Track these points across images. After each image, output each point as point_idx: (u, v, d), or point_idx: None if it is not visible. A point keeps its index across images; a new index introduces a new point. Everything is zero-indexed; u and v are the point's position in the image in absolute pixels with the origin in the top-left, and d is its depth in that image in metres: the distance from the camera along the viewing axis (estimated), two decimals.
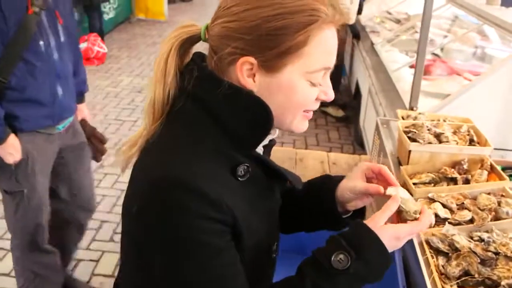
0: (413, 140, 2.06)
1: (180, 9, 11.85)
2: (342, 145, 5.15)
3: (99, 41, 7.41)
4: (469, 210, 1.71)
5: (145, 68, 7.26)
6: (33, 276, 2.46)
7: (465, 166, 1.97)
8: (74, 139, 2.46)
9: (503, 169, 2.08)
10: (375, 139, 2.71)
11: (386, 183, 1.10)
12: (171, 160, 0.93)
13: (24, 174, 2.21)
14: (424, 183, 1.93)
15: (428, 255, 1.51)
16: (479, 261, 1.46)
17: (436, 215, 1.70)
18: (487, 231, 1.59)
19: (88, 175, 2.66)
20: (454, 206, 1.74)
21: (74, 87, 2.39)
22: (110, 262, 3.18)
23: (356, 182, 1.14)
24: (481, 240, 1.55)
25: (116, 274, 1.23)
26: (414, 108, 2.78)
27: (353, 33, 5.35)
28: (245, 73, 0.95)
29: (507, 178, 1.89)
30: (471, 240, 1.56)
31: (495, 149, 2.13)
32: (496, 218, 1.67)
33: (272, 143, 1.10)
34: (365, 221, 0.99)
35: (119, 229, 1.27)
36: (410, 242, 1.65)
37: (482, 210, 1.70)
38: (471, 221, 1.67)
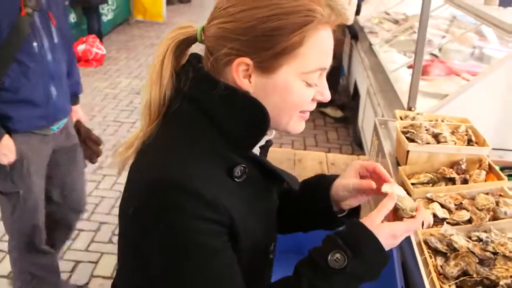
0: (411, 140, 2.06)
1: (178, 10, 11.85)
2: (340, 145, 5.15)
3: (97, 42, 7.41)
4: (468, 210, 1.71)
5: (143, 70, 7.26)
6: (30, 277, 2.45)
7: (463, 166, 1.97)
8: (67, 140, 2.46)
9: (502, 169, 2.08)
10: (373, 139, 2.71)
11: (381, 181, 1.10)
12: (167, 162, 0.93)
13: (20, 175, 2.21)
14: (423, 183, 1.93)
15: (427, 255, 1.51)
16: (477, 261, 1.46)
17: (435, 215, 1.70)
18: (485, 231, 1.60)
19: (81, 177, 2.66)
20: (452, 206, 1.74)
21: (68, 88, 2.39)
22: (109, 264, 3.17)
23: (350, 179, 1.14)
24: (480, 240, 1.55)
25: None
26: (412, 109, 2.78)
27: (351, 34, 5.36)
28: (241, 74, 0.95)
29: (505, 178, 1.89)
30: (470, 240, 1.56)
31: (493, 149, 2.13)
32: (494, 218, 1.67)
33: (268, 143, 1.09)
34: (361, 220, 0.99)
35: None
36: (409, 242, 1.65)
37: (480, 210, 1.70)
38: (470, 221, 1.67)
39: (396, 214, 1.07)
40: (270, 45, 0.93)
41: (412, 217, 1.05)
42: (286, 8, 0.92)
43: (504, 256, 1.48)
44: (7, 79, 2.07)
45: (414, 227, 1.04)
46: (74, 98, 2.54)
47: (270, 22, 0.92)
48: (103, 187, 4.08)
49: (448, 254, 1.51)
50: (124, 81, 6.77)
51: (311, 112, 1.05)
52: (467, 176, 1.93)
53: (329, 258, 0.93)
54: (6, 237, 2.54)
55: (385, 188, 1.08)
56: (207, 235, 0.90)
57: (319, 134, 5.36)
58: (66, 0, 2.25)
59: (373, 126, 2.77)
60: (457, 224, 1.66)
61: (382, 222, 0.99)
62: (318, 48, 0.96)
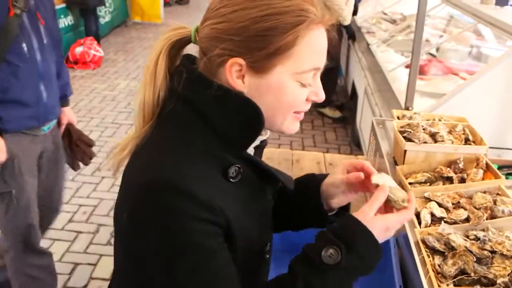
0: (408, 140, 2.06)
1: (176, 11, 11.86)
2: (339, 146, 5.15)
3: (95, 44, 7.41)
4: (465, 209, 1.71)
5: (141, 72, 7.23)
6: (27, 279, 2.44)
7: (460, 165, 1.97)
8: (54, 142, 2.45)
9: (500, 167, 2.09)
10: (371, 139, 2.71)
11: (369, 179, 1.11)
12: (162, 162, 0.93)
13: (11, 175, 2.20)
14: (420, 183, 1.93)
15: (424, 254, 1.51)
16: (475, 259, 1.46)
17: (432, 214, 1.70)
18: (483, 230, 1.59)
19: (61, 178, 2.63)
20: (450, 205, 1.74)
21: (57, 89, 2.38)
22: (108, 266, 3.17)
23: (337, 175, 1.16)
24: (477, 238, 1.55)
25: None
26: (410, 108, 2.78)
27: (348, 34, 5.36)
28: (234, 75, 0.95)
29: (503, 176, 1.89)
30: (467, 239, 1.55)
31: (491, 148, 2.13)
32: (492, 216, 1.67)
33: (263, 144, 1.09)
34: (354, 214, 0.99)
35: None
36: (407, 242, 1.65)
37: (478, 209, 1.70)
38: (467, 220, 1.67)
39: (387, 205, 1.06)
40: (263, 45, 0.92)
41: (404, 208, 1.05)
42: (278, 8, 0.92)
43: (502, 254, 1.48)
44: None
45: (407, 218, 1.05)
46: (64, 100, 2.53)
47: (262, 22, 0.92)
48: (101, 189, 4.08)
49: (446, 253, 1.51)
50: (122, 83, 6.77)
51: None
52: (465, 175, 1.92)
53: (322, 254, 0.93)
54: None
55: (375, 179, 1.08)
56: (203, 235, 0.90)
57: (317, 134, 5.36)
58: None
59: (370, 126, 2.77)
60: (454, 223, 1.66)
61: (375, 214, 0.99)
62: (311, 48, 0.96)
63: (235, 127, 0.96)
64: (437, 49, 4.19)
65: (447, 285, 1.42)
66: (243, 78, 0.96)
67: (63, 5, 7.36)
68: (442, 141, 2.06)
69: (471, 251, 1.48)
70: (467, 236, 1.58)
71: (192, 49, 1.06)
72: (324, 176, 1.19)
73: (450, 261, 1.47)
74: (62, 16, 7.32)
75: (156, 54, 1.00)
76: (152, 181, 0.91)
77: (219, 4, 0.96)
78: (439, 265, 1.47)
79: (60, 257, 3.25)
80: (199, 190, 0.90)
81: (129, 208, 0.94)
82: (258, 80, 0.95)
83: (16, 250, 2.38)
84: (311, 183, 1.19)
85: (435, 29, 4.71)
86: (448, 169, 1.96)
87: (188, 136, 0.96)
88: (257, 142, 1.05)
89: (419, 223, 1.69)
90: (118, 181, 1.02)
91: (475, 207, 1.71)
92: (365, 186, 1.14)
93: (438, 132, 2.09)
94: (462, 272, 1.45)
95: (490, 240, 1.52)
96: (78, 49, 7.20)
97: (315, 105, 5.82)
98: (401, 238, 1.74)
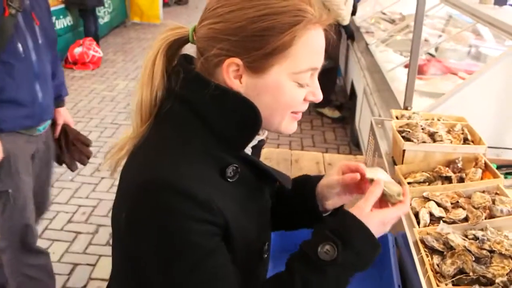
0: (407, 139, 2.06)
1: (175, 12, 11.86)
2: (338, 146, 5.15)
3: (94, 45, 7.41)
4: (464, 209, 1.71)
5: (140, 72, 7.26)
6: (25, 279, 2.43)
7: (459, 165, 1.97)
8: (45, 143, 2.45)
9: (498, 167, 2.09)
10: (370, 139, 2.71)
11: (364, 181, 1.11)
12: (159, 162, 0.93)
13: (8, 174, 2.20)
14: (419, 182, 1.93)
15: (423, 254, 1.51)
16: (473, 259, 1.46)
17: (431, 214, 1.70)
18: (481, 229, 1.59)
19: (50, 179, 2.63)
20: (448, 204, 1.74)
21: (52, 89, 2.38)
22: (107, 266, 3.15)
23: (333, 177, 1.16)
24: (476, 238, 1.55)
25: None
26: (409, 108, 2.78)
27: (347, 34, 5.36)
28: (232, 75, 0.95)
29: (501, 176, 1.89)
30: (466, 239, 1.55)
31: (490, 147, 2.13)
32: (491, 216, 1.67)
33: (261, 143, 1.09)
34: (350, 210, 0.99)
35: None
36: (405, 241, 1.65)
37: (477, 208, 1.70)
38: (466, 219, 1.67)
39: (382, 200, 1.06)
40: (260, 45, 0.92)
41: (399, 201, 1.05)
42: (275, 8, 0.92)
43: (500, 254, 1.48)
44: None
45: (403, 212, 1.05)
46: (60, 100, 2.52)
47: (259, 22, 0.92)
48: (101, 189, 4.09)
49: (445, 253, 1.51)
50: (121, 83, 6.77)
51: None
52: (463, 175, 1.92)
53: (319, 250, 0.93)
54: None
55: (369, 174, 1.08)
56: (201, 235, 0.90)
57: (316, 134, 5.36)
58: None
59: (369, 126, 2.77)
60: (453, 222, 1.66)
61: (371, 209, 1.00)
62: (309, 48, 0.96)
63: (233, 126, 0.96)
64: (436, 49, 4.20)
65: (446, 284, 1.42)
66: (240, 78, 0.96)
67: (62, 5, 7.37)
68: (441, 140, 2.06)
69: (469, 251, 1.48)
70: (466, 236, 1.58)
71: (189, 49, 1.06)
72: (319, 178, 1.20)
73: (448, 261, 1.47)
74: (61, 17, 7.32)
75: (154, 54, 1.00)
76: (150, 181, 0.91)
77: (216, 4, 0.96)
78: (437, 265, 1.47)
79: (59, 257, 3.25)
80: (197, 190, 0.90)
81: (127, 208, 0.93)
82: (255, 80, 0.95)
83: (13, 250, 2.38)
84: (307, 184, 1.19)
85: (434, 29, 4.71)
86: (447, 168, 1.96)
87: (186, 136, 0.96)
88: (254, 142, 1.05)
89: (418, 222, 1.69)
90: (117, 182, 1.02)
91: (474, 207, 1.71)
92: (360, 188, 1.14)
93: (437, 132, 2.09)
94: (461, 271, 1.45)
95: (488, 240, 1.52)
96: (77, 50, 7.20)
97: (314, 105, 5.86)
98: (399, 237, 1.74)
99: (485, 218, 1.64)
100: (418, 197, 1.80)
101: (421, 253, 1.52)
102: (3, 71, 2.09)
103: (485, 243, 1.51)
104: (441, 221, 1.65)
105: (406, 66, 3.77)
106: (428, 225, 1.67)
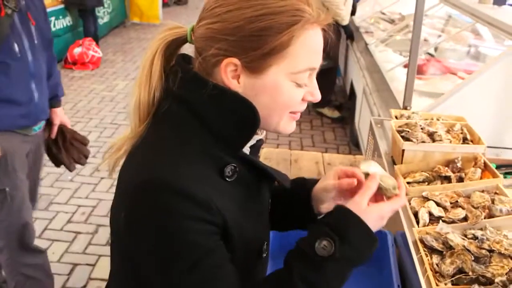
0: (406, 139, 2.06)
1: (174, 12, 11.86)
2: (338, 146, 5.15)
3: (94, 45, 7.41)
4: (463, 208, 1.71)
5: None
6: (23, 278, 2.43)
7: (458, 165, 1.97)
8: (37, 143, 2.45)
9: (498, 167, 2.09)
10: (370, 139, 2.71)
11: (360, 186, 1.10)
12: (158, 162, 0.93)
13: (5, 172, 2.20)
14: (418, 182, 1.93)
15: (422, 253, 1.51)
16: (473, 258, 1.46)
17: (430, 214, 1.70)
18: (481, 229, 1.60)
19: (38, 179, 2.62)
20: (448, 204, 1.74)
21: (48, 89, 2.38)
22: (107, 266, 3.12)
23: (329, 181, 1.16)
24: (475, 238, 1.55)
25: None
26: (408, 108, 2.78)
27: (347, 34, 5.36)
28: (230, 75, 0.95)
29: (501, 175, 1.89)
30: (465, 238, 1.56)
31: (489, 147, 2.13)
32: (490, 215, 1.67)
33: (259, 143, 1.09)
34: (347, 204, 0.99)
35: None
36: (405, 241, 1.65)
37: (476, 208, 1.70)
38: (465, 219, 1.67)
39: (377, 193, 1.05)
40: (258, 45, 0.92)
41: (395, 195, 1.05)
42: (273, 8, 0.92)
43: (500, 253, 1.48)
44: None
45: (399, 206, 1.04)
46: (56, 100, 2.52)
47: (257, 22, 0.92)
48: (100, 189, 4.08)
49: (444, 252, 1.51)
50: (121, 83, 6.77)
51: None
52: (463, 174, 1.93)
53: (316, 245, 0.93)
54: None
55: (363, 167, 1.08)
56: (200, 235, 0.90)
57: (316, 134, 5.36)
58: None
59: (369, 126, 2.77)
60: (452, 222, 1.66)
61: (368, 204, 1.00)
62: (307, 48, 0.95)
63: (231, 126, 0.96)
64: (435, 49, 4.20)
65: (445, 284, 1.42)
66: (238, 78, 0.96)
67: (62, 5, 7.37)
68: (440, 140, 2.06)
69: (469, 250, 1.48)
70: (465, 235, 1.58)
71: (188, 49, 1.06)
72: (315, 181, 1.20)
73: (448, 260, 1.47)
74: (60, 17, 7.32)
75: (152, 53, 1.00)
76: (148, 181, 0.91)
77: (214, 4, 0.96)
78: (437, 264, 1.48)
79: (59, 257, 3.25)
80: (196, 190, 0.90)
81: (125, 208, 0.93)
82: (253, 80, 0.95)
83: (10, 250, 2.37)
84: (303, 187, 1.20)
85: (433, 29, 4.71)
86: (446, 168, 1.96)
87: (184, 136, 0.96)
88: (253, 142, 1.05)
89: (417, 222, 1.69)
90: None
91: (473, 206, 1.71)
92: (356, 193, 1.13)
93: (436, 132, 2.09)
94: (460, 271, 1.45)
95: (488, 239, 1.53)
96: (77, 50, 7.20)
97: (314, 105, 5.86)
98: (399, 237, 1.74)
99: (485, 218, 1.64)
100: (418, 196, 1.80)
101: (420, 253, 1.52)
102: None
103: (485, 243, 1.52)
104: (441, 221, 1.65)
105: (405, 66, 3.77)
106: (428, 225, 1.67)
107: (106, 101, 6.11)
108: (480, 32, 4.15)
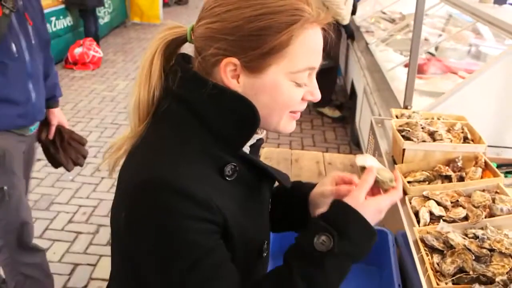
0: (407, 138, 2.06)
1: (175, 12, 11.86)
2: (338, 145, 5.15)
3: (94, 45, 7.41)
4: (464, 208, 1.71)
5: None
6: (23, 278, 2.43)
7: (459, 164, 1.97)
8: (31, 143, 2.45)
9: (498, 166, 2.09)
10: (370, 138, 2.71)
11: None
12: (157, 162, 0.93)
13: (3, 171, 2.20)
14: (419, 181, 1.93)
15: (423, 252, 1.51)
16: (473, 258, 1.46)
17: (431, 213, 1.70)
18: (481, 228, 1.59)
19: (29, 178, 2.62)
20: (448, 203, 1.74)
21: (46, 90, 2.38)
22: (108, 266, 3.12)
23: (327, 186, 1.16)
24: (476, 237, 1.55)
25: None
26: (409, 107, 2.78)
27: (347, 34, 5.36)
28: (229, 74, 0.95)
29: (502, 175, 1.89)
30: (466, 237, 1.56)
31: (490, 146, 2.13)
32: (491, 215, 1.67)
33: (259, 142, 1.09)
34: (344, 199, 0.99)
35: None
36: (406, 240, 1.65)
37: (477, 207, 1.70)
38: (466, 218, 1.67)
39: (374, 186, 1.05)
40: (257, 44, 0.92)
41: (392, 187, 1.05)
42: (272, 8, 0.92)
43: (500, 252, 1.48)
44: None
45: (397, 198, 1.04)
46: (54, 101, 2.52)
47: (256, 21, 0.92)
48: (101, 189, 4.09)
49: (445, 252, 1.51)
50: (121, 83, 6.77)
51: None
52: (463, 174, 1.93)
53: (315, 241, 0.92)
54: None
55: (359, 161, 1.07)
56: (200, 234, 0.90)
57: (317, 134, 5.36)
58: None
59: (369, 125, 2.77)
60: (453, 221, 1.66)
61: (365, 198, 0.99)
62: (306, 47, 0.95)
63: (231, 125, 0.96)
64: (436, 48, 4.20)
65: (446, 283, 1.42)
66: (238, 77, 0.96)
67: (62, 6, 7.37)
68: (441, 139, 2.06)
69: (469, 250, 1.48)
70: (466, 235, 1.58)
71: (188, 49, 1.06)
72: (312, 185, 1.20)
73: (448, 260, 1.47)
74: (61, 17, 7.32)
75: (151, 53, 1.00)
76: (148, 180, 0.91)
77: (213, 4, 0.96)
78: (437, 264, 1.48)
79: (60, 257, 3.25)
80: (195, 189, 0.89)
81: (125, 208, 0.93)
82: (253, 80, 0.95)
83: (9, 249, 2.37)
84: (300, 191, 1.20)
85: (434, 28, 4.71)
86: (447, 167, 1.96)
87: (184, 136, 0.96)
88: (253, 141, 1.05)
89: (418, 221, 1.69)
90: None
91: (474, 206, 1.71)
92: None
93: (436, 131, 2.09)
94: (461, 270, 1.45)
95: (488, 238, 1.53)
96: (77, 50, 7.20)
97: (315, 105, 5.86)
98: (399, 236, 1.74)
99: (485, 217, 1.64)
100: (418, 196, 1.80)
101: (421, 252, 1.52)
102: None
103: (485, 242, 1.51)
104: (441, 220, 1.65)
105: (406, 66, 3.77)
106: (428, 224, 1.67)
107: (107, 101, 6.11)
108: (481, 32, 4.15)
